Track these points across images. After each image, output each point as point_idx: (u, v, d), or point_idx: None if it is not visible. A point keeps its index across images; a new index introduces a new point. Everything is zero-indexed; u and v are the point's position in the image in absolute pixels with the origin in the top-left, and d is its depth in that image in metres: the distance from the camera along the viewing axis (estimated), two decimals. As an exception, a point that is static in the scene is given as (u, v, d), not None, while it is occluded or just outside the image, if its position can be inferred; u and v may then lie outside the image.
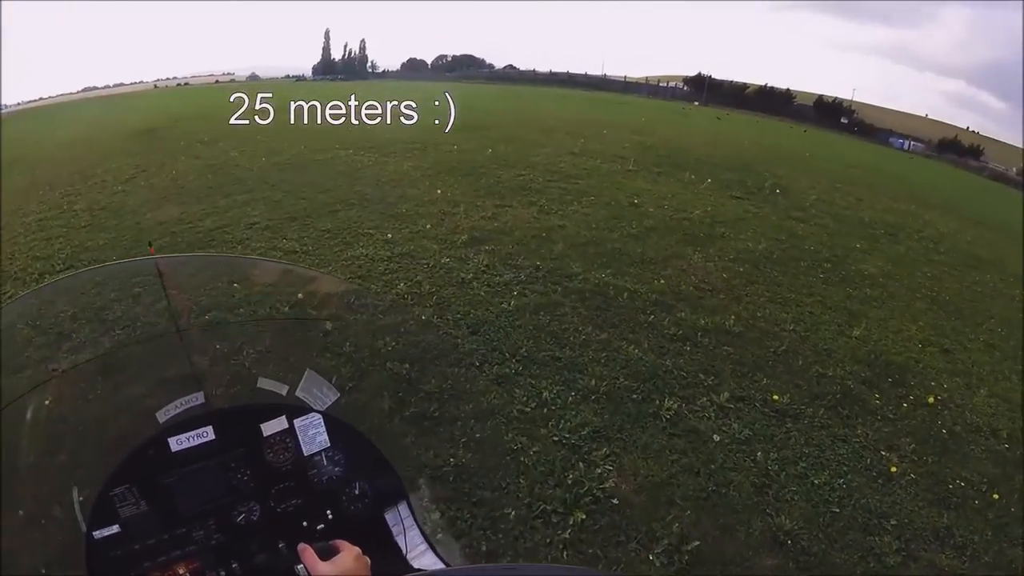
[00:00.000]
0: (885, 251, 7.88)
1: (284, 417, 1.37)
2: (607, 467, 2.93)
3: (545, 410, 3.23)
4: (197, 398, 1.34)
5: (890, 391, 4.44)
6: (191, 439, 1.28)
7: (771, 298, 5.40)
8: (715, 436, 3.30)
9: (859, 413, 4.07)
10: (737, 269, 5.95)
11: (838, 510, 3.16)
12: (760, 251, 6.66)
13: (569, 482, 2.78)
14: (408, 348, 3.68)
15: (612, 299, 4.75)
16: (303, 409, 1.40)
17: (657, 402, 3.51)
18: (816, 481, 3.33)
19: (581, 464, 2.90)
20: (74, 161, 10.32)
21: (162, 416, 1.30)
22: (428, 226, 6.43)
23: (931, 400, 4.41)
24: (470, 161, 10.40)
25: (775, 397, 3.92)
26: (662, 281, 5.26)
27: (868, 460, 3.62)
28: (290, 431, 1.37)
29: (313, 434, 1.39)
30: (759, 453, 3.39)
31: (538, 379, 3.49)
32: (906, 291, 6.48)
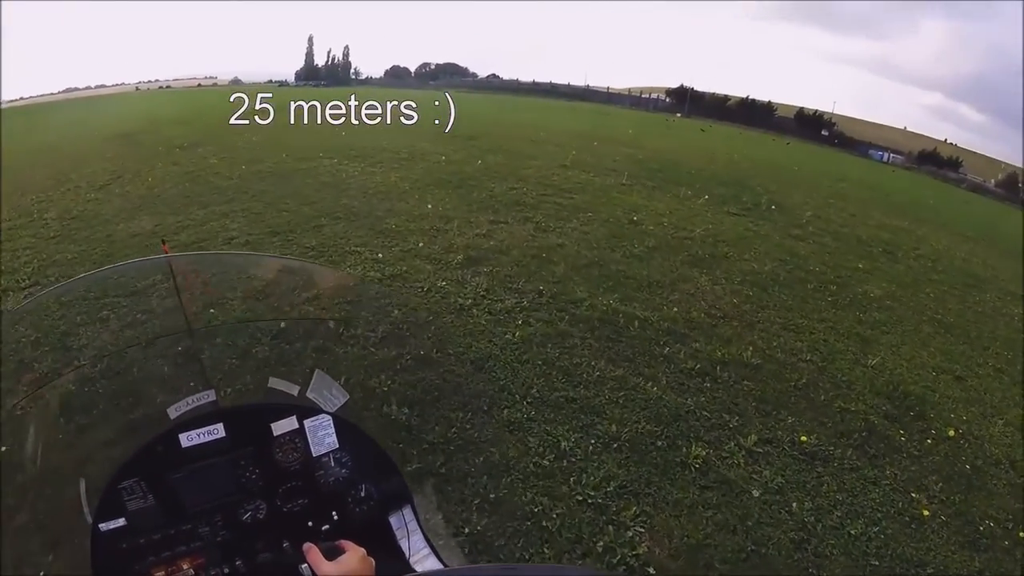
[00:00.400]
0: (886, 271, 7.84)
1: (294, 417, 1.38)
2: (638, 529, 2.67)
3: (565, 463, 2.95)
4: (208, 395, 1.36)
5: (912, 425, 4.32)
6: (201, 435, 1.29)
7: (784, 325, 5.23)
8: (754, 492, 3.05)
9: (885, 452, 3.93)
10: (746, 293, 5.79)
11: (877, 562, 2.99)
12: (766, 273, 6.52)
13: (599, 549, 2.50)
14: (406, 388, 3.38)
15: (622, 328, 4.51)
16: (313, 410, 1.42)
17: (684, 449, 3.26)
18: (853, 532, 3.16)
19: (610, 527, 2.62)
20: (49, 165, 9.92)
21: (173, 412, 1.32)
22: (420, 244, 6.13)
23: (951, 433, 4.31)
24: (460, 173, 10.15)
25: (803, 438, 3.73)
26: (673, 308, 5.05)
27: (900, 504, 3.46)
28: (299, 431, 1.38)
29: (322, 435, 1.40)
30: (794, 503, 3.18)
31: (553, 425, 3.21)
32: (912, 314, 6.40)
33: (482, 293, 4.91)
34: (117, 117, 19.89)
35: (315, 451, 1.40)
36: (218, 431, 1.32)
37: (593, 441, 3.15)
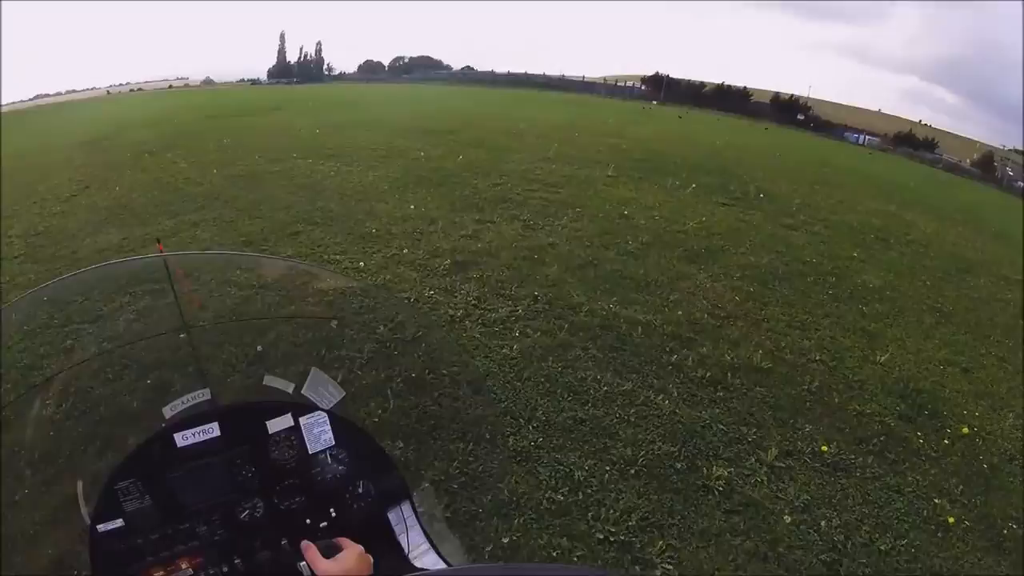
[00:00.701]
0: (880, 259, 7.80)
1: (290, 415, 1.38)
2: (666, 566, 2.45)
3: (580, 495, 2.71)
4: (203, 394, 1.35)
5: (927, 425, 4.24)
6: (196, 435, 1.29)
7: (789, 323, 5.08)
8: (785, 518, 2.85)
9: (904, 456, 3.82)
10: (747, 289, 5.62)
11: (909, 578, 2.88)
12: (764, 266, 6.38)
13: (626, 595, 2.27)
14: (399, 418, 3.10)
15: (625, 335, 4.28)
16: (309, 407, 1.41)
17: (704, 470, 3.05)
18: (883, 547, 3.04)
19: (637, 567, 2.40)
20: (16, 177, 9.45)
21: (168, 411, 1.32)
22: (404, 249, 5.82)
23: (965, 431, 4.26)
24: (440, 169, 9.81)
25: (824, 448, 3.58)
26: (675, 310, 4.85)
27: (925, 512, 3.34)
28: (295, 429, 1.38)
29: (318, 432, 1.40)
30: (822, 522, 3.03)
31: (564, 452, 2.97)
32: (912, 304, 6.34)
33: (473, 302, 4.64)
34: (87, 123, 19.48)
35: (311, 448, 1.40)
36: (213, 430, 1.32)
37: (608, 468, 2.91)
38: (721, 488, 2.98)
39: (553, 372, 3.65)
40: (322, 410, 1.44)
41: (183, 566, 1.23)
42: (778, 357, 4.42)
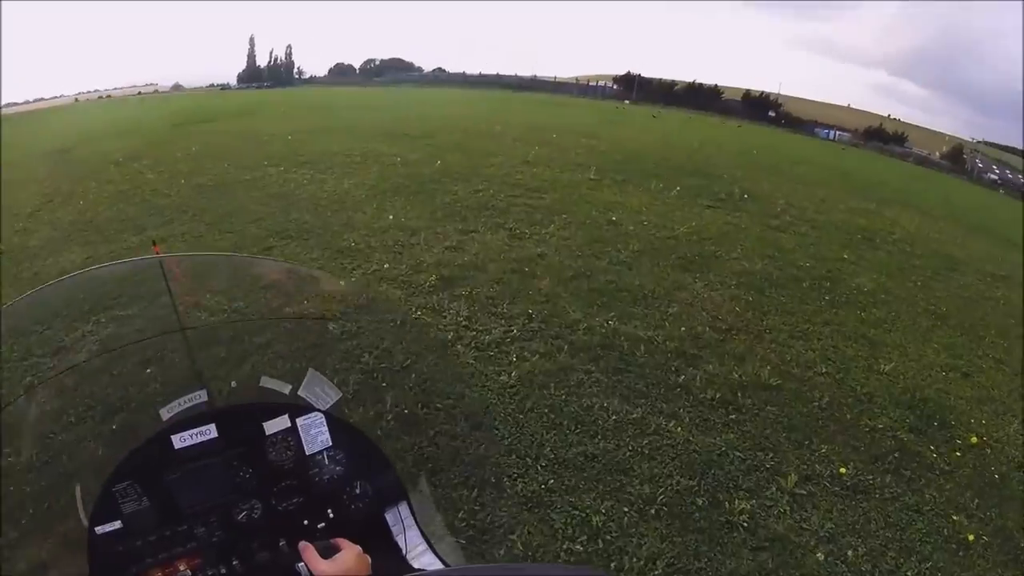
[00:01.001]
0: (869, 259, 7.83)
1: (287, 416, 1.40)
2: (698, 622, 2.25)
3: (600, 543, 2.50)
4: (200, 396, 1.38)
5: (937, 436, 4.19)
6: (194, 436, 1.31)
7: (791, 333, 4.98)
8: (816, 554, 2.70)
9: (920, 472, 3.76)
10: (745, 298, 5.52)
11: (936, 603, 2.80)
12: (759, 272, 6.30)
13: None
14: (394, 462, 2.84)
15: (628, 355, 4.10)
16: (305, 408, 1.43)
17: (726, 504, 2.89)
18: (909, 573, 2.94)
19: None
20: None
21: (165, 413, 1.34)
22: (385, 264, 5.55)
23: (974, 440, 4.23)
24: (418, 176, 9.53)
25: (842, 470, 3.46)
26: (676, 324, 4.70)
27: (945, 531, 3.26)
28: (292, 430, 1.40)
29: (315, 433, 1.42)
30: (848, 552, 2.90)
31: (578, 494, 2.75)
32: (907, 307, 6.35)
33: (463, 322, 4.40)
34: (53, 132, 18.81)
35: (308, 449, 1.41)
36: (211, 431, 1.33)
37: (627, 509, 2.71)
38: (745, 523, 2.82)
39: (557, 401, 3.44)
40: (319, 411, 1.45)
41: (181, 567, 1.23)
42: (785, 372, 4.30)
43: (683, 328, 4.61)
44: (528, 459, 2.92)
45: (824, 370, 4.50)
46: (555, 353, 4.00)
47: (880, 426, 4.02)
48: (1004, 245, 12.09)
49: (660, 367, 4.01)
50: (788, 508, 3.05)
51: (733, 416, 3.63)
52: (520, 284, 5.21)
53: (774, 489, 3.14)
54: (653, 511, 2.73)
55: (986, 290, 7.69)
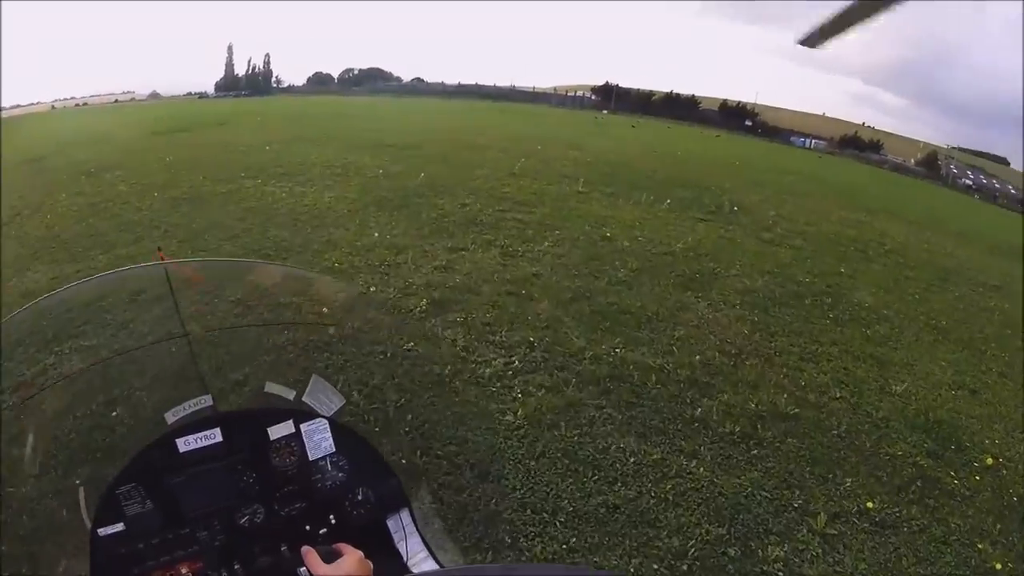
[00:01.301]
0: (865, 273, 7.83)
1: (291, 421, 1.42)
2: None
3: (632, 612, 2.26)
4: (205, 400, 1.40)
5: (955, 460, 4.11)
6: (198, 440, 1.34)
7: (800, 355, 4.85)
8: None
9: (943, 500, 3.66)
10: (751, 319, 5.38)
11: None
12: (760, 290, 6.19)
13: None
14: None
15: (639, 386, 3.90)
16: (310, 414, 1.46)
17: (759, 552, 2.69)
18: None
19: None
20: None
21: (170, 417, 1.37)
22: (372, 287, 5.26)
23: (990, 461, 4.17)
24: (402, 189, 9.26)
25: (869, 505, 3.31)
26: (686, 352, 4.51)
27: (972, 561, 3.16)
28: (296, 435, 1.42)
29: (319, 439, 1.43)
30: (885, 595, 2.72)
31: (602, 552, 2.51)
32: (909, 322, 6.31)
33: (461, 353, 4.14)
34: (27, 140, 18.20)
35: (312, 455, 1.43)
36: (215, 435, 1.35)
37: (657, 566, 2.49)
38: (781, 572, 2.62)
39: (569, 443, 3.20)
40: (323, 417, 1.46)
41: (183, 571, 1.24)
42: (801, 399, 4.14)
43: (693, 354, 4.42)
44: (544, 514, 2.67)
45: (838, 394, 4.37)
46: (562, 387, 3.77)
47: (899, 453, 3.91)
48: (990, 252, 12.32)
49: (674, 399, 3.81)
50: (820, 551, 2.88)
51: (755, 451, 3.44)
52: (517, 308, 4.98)
53: (805, 531, 2.96)
54: (685, 567, 2.51)
55: (979, 300, 7.73)
